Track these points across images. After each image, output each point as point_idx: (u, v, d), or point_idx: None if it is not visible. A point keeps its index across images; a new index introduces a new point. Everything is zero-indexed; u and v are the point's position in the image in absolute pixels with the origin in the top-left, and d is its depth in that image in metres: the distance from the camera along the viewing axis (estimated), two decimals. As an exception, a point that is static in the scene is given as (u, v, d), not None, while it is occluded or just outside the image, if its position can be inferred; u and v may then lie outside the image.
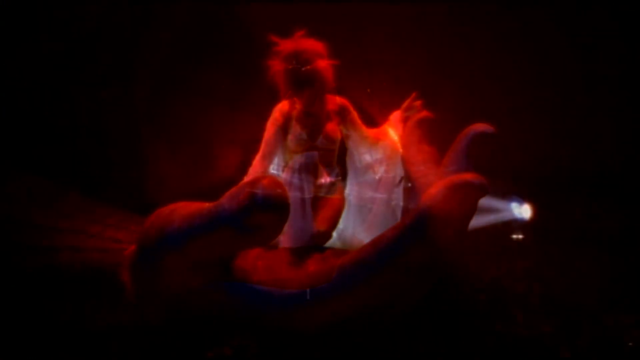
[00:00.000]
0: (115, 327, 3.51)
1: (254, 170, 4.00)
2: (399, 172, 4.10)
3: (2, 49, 4.42)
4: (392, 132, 4.13)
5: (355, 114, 4.20)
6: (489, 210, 4.24)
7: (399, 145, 4.07)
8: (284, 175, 3.96)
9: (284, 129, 4.02)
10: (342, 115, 4.12)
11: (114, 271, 3.76)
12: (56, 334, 3.45)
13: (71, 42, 4.59)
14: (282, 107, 4.07)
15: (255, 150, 4.09)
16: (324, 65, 3.85)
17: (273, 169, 4.06)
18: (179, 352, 3.34)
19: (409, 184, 4.03)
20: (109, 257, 3.97)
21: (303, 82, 3.82)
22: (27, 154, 4.49)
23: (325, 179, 4.03)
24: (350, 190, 4.20)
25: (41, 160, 4.51)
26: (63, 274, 3.92)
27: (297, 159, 3.94)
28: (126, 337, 3.45)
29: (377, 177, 4.09)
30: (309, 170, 3.92)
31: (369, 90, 4.14)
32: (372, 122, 4.32)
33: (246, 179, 3.92)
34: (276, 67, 3.88)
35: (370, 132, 4.19)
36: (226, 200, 3.17)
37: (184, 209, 3.38)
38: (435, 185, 3.27)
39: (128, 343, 3.40)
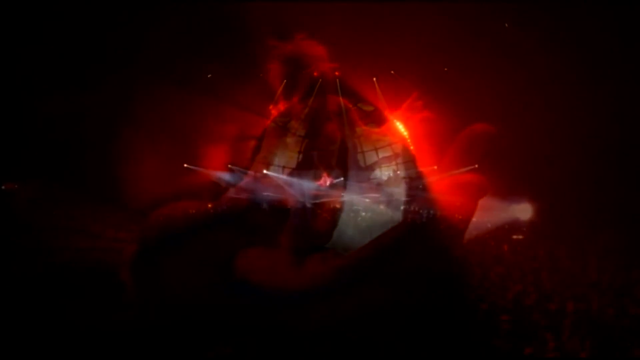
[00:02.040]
0: (115, 327, 3.51)
1: (254, 171, 4.01)
2: (401, 171, 4.11)
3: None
4: (401, 127, 4.11)
5: (356, 114, 4.20)
6: (490, 210, 4.23)
7: (409, 141, 4.07)
8: (283, 176, 3.97)
9: (283, 130, 4.04)
10: (343, 115, 4.13)
11: (114, 271, 3.76)
12: (57, 333, 3.45)
13: (67, 43, 4.58)
14: (281, 108, 4.09)
15: (253, 151, 4.09)
16: (324, 68, 3.89)
17: (273, 170, 4.07)
18: (179, 352, 3.34)
19: (410, 185, 4.03)
20: (109, 257, 3.97)
21: (303, 85, 3.85)
22: (27, 155, 4.48)
23: (325, 180, 4.03)
24: (351, 190, 4.20)
25: (41, 161, 4.51)
26: (63, 274, 3.92)
27: (297, 160, 3.95)
28: (126, 337, 3.44)
29: (382, 176, 4.10)
30: (309, 170, 3.94)
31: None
32: (373, 122, 4.31)
33: (246, 179, 3.93)
34: (276, 70, 3.92)
35: (374, 130, 4.21)
36: (226, 200, 3.20)
37: (183, 210, 3.40)
38: (436, 186, 3.28)
39: (128, 343, 3.39)
